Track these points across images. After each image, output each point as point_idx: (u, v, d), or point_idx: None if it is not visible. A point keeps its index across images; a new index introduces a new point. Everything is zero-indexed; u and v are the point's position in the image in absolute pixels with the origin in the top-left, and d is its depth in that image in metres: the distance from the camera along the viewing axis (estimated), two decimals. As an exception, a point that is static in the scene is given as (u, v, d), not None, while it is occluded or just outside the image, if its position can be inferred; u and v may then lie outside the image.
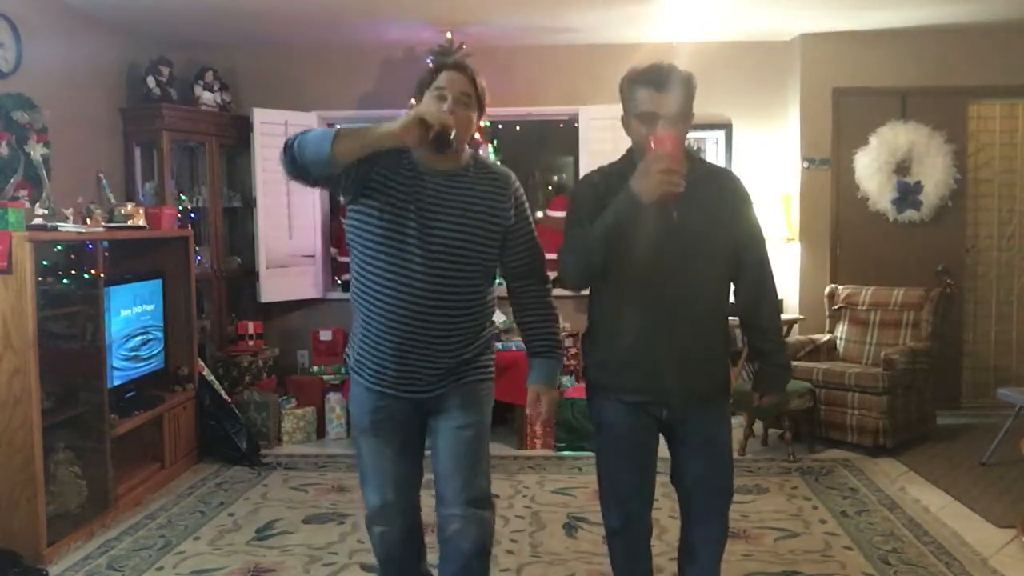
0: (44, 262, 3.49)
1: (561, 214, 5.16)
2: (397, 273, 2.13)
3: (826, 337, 5.16)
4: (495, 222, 2.23)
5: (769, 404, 2.40)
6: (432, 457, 2.32)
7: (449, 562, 2.25)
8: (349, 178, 2.12)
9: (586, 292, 2.32)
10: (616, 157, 2.27)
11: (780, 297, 4.41)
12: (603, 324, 2.26)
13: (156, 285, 4.37)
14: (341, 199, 2.23)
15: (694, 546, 2.34)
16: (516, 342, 4.88)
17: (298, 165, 2.04)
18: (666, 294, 2.14)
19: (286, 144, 2.05)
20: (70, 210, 3.71)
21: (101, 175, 4.58)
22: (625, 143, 2.23)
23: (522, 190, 2.34)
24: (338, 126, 2.13)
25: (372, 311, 2.18)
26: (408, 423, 2.28)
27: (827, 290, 5.28)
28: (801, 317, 5.35)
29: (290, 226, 5.51)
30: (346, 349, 2.37)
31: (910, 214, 5.36)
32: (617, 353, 2.21)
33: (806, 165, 5.41)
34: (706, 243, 2.16)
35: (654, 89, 2.08)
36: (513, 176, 2.32)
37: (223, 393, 4.76)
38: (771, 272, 2.31)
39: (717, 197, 2.19)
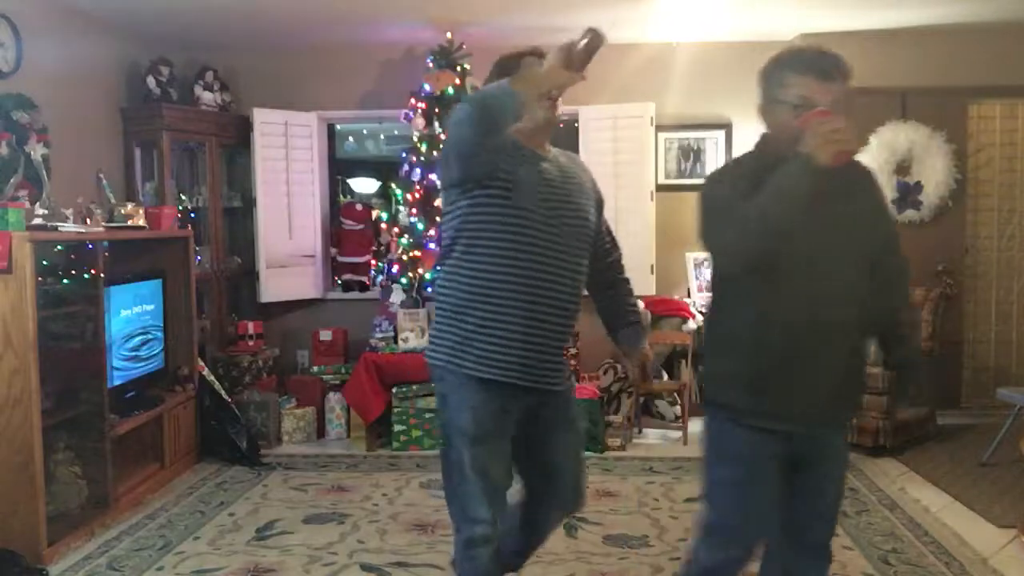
0: (44, 262, 3.48)
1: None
2: (536, 257, 2.12)
3: (826, 337, 5.15)
4: (594, 203, 2.32)
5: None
6: (535, 451, 2.31)
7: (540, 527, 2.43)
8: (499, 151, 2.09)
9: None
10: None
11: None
12: (736, 332, 1.99)
13: (156, 285, 4.37)
14: (465, 186, 2.13)
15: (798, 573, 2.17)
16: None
17: (488, 121, 1.96)
18: (815, 297, 1.90)
19: (472, 102, 2.01)
20: (70, 210, 3.70)
21: (101, 175, 4.57)
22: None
23: None
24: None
25: (508, 298, 2.11)
26: (514, 424, 2.23)
27: (827, 290, 5.27)
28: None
29: (290, 226, 5.52)
30: (436, 355, 2.21)
31: (910, 214, 5.36)
32: (757, 364, 1.95)
33: (806, 165, 5.40)
34: (856, 239, 1.94)
35: (818, 78, 1.85)
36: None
37: (223, 393, 4.76)
38: (909, 278, 2.10)
39: (860, 190, 2.01)
